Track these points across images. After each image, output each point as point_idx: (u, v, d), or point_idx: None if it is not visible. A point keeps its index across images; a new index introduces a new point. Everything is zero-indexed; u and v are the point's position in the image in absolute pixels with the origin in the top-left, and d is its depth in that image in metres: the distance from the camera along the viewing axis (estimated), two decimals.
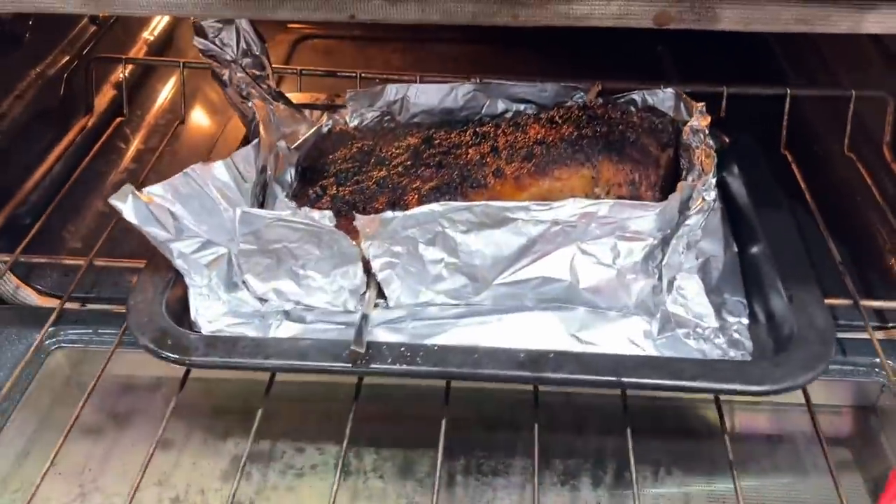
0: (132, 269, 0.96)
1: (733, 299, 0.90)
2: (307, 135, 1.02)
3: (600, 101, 1.04)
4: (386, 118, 1.09)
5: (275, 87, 1.03)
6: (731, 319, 0.87)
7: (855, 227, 1.11)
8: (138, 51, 1.47)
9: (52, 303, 0.97)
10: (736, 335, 0.84)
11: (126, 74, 1.30)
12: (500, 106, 1.08)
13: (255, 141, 0.92)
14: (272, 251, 0.82)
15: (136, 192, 0.82)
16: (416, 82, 1.19)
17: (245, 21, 0.96)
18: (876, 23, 0.82)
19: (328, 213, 0.80)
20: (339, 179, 0.92)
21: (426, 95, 1.08)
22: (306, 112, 1.10)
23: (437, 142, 0.98)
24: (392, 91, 1.08)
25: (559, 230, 0.81)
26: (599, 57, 1.40)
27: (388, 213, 0.81)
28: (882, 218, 1.09)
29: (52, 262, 1.03)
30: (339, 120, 1.09)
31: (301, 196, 0.91)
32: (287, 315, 0.86)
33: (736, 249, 0.96)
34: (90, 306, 0.97)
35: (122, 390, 0.94)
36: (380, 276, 0.84)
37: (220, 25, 0.94)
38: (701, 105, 1.00)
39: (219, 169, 0.86)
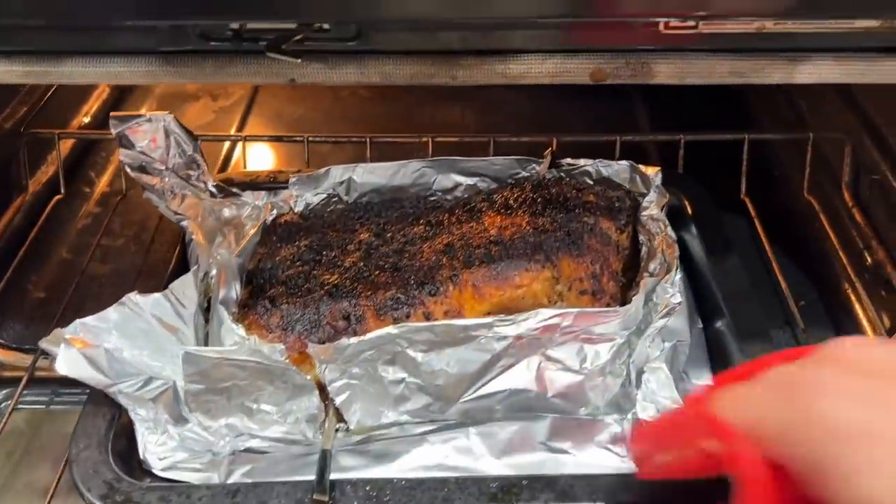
0: None
1: (700, 385, 0.88)
2: (251, 233, 0.96)
3: (553, 175, 1.01)
4: (333, 199, 1.04)
5: (212, 182, 0.97)
6: None
7: (818, 273, 1.10)
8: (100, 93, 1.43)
9: (14, 356, 0.97)
10: None
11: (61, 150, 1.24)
12: (452, 180, 1.04)
13: (195, 268, 0.86)
14: (221, 389, 0.77)
15: (68, 339, 0.76)
16: (366, 146, 1.15)
17: (172, 121, 0.90)
18: (808, 73, 0.83)
19: (279, 347, 0.75)
20: (290, 288, 0.87)
21: (374, 175, 1.03)
22: (249, 195, 1.04)
23: (389, 235, 0.93)
24: (337, 173, 1.03)
25: (524, 342, 0.78)
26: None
27: (343, 341, 0.76)
28: (841, 262, 1.08)
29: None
30: (284, 206, 1.03)
31: (250, 310, 0.86)
32: (241, 447, 0.81)
33: (700, 325, 0.95)
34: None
35: None
36: (338, 402, 0.80)
37: (147, 131, 0.88)
38: (656, 173, 0.98)
39: (155, 300, 0.81)
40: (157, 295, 0.81)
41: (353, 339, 0.76)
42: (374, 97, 1.51)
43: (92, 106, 1.38)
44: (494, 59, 0.82)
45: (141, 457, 0.80)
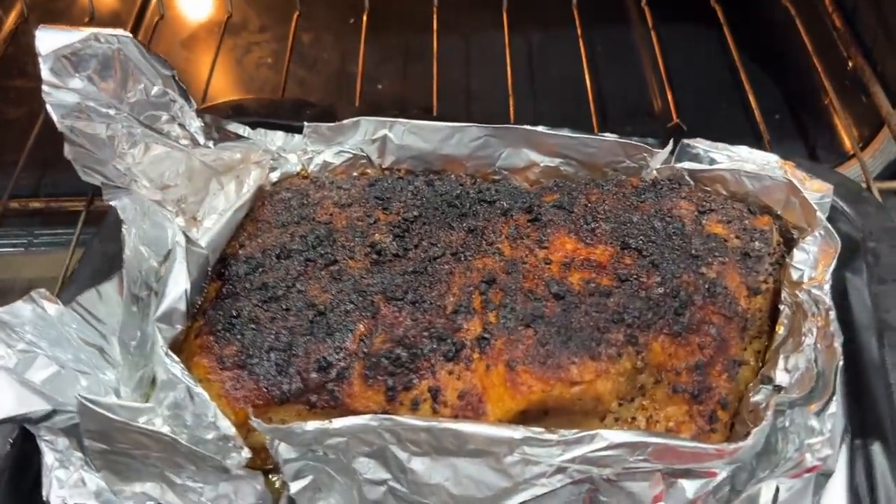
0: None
1: None
2: (237, 204, 0.70)
3: (672, 175, 0.69)
4: (361, 161, 0.77)
5: (197, 122, 0.71)
6: None
7: (791, 85, 1.05)
8: None
9: None
10: None
11: None
12: (525, 158, 0.74)
13: (120, 272, 0.61)
14: (132, 455, 0.55)
15: None
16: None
17: (132, 44, 0.63)
18: None
19: (221, 418, 0.52)
20: (264, 300, 0.62)
21: (418, 137, 0.75)
22: (258, 133, 0.78)
23: (413, 238, 0.66)
24: (370, 127, 0.75)
25: (568, 471, 0.51)
26: None
27: (297, 427, 0.52)
28: (818, 72, 0.98)
29: None
30: (294, 162, 0.77)
31: (206, 323, 0.62)
32: None
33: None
34: None
35: None
36: (293, 489, 0.56)
37: (91, 55, 0.61)
38: (823, 195, 0.65)
39: (62, 316, 0.58)
40: (62, 309, 0.57)
41: (311, 426, 0.51)
42: None
43: None
44: None
45: (45, 498, 0.60)
